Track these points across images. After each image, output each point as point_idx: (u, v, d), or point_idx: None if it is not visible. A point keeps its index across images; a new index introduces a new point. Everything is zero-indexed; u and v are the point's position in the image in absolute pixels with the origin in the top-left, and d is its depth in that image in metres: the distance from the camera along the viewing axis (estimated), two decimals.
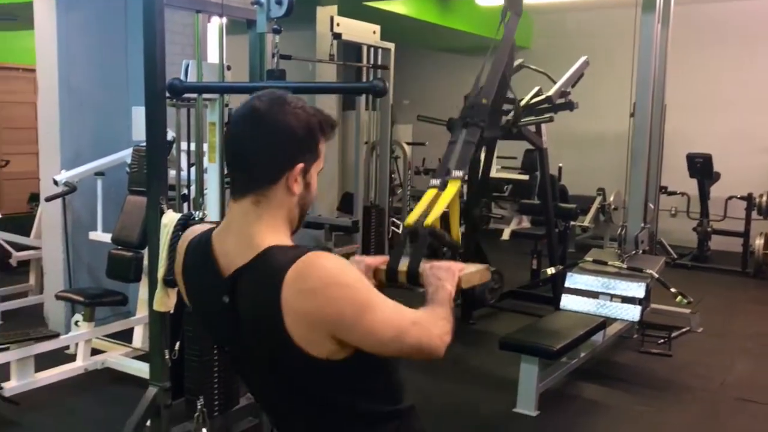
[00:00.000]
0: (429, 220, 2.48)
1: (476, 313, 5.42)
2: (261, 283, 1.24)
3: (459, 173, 3.41)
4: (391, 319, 1.25)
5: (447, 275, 1.51)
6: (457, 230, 2.61)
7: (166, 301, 2.89)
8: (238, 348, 1.37)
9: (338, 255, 1.27)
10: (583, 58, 5.47)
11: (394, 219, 7.10)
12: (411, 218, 2.50)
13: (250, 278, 1.26)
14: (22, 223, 6.05)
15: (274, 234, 1.28)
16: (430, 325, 1.32)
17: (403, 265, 1.77)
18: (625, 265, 4.60)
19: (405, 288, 1.69)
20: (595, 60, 5.56)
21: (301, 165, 1.29)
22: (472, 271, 1.67)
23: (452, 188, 3.25)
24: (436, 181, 3.37)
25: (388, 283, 1.73)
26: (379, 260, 1.68)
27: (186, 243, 1.42)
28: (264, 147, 1.28)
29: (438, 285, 1.48)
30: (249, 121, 1.30)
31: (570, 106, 5.25)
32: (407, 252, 1.90)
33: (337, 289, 1.19)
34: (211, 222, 1.47)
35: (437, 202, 2.93)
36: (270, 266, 1.23)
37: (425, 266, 1.56)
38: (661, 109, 5.50)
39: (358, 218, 6.40)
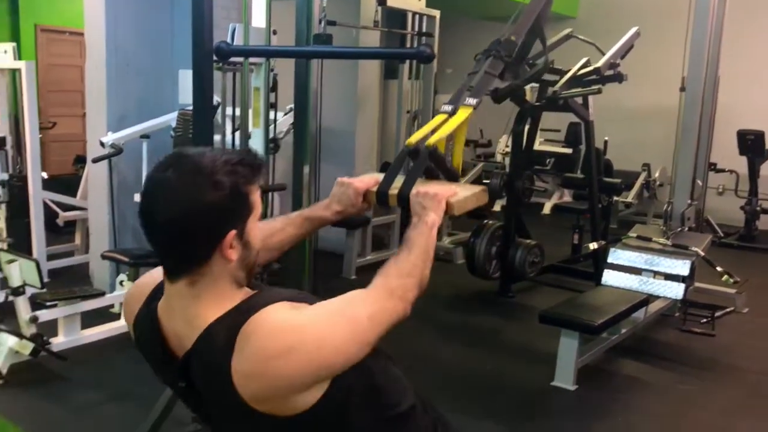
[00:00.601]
0: (432, 140, 2.37)
1: (515, 286, 5.39)
2: (210, 370, 1.14)
3: (472, 101, 3.27)
4: (347, 335, 1.15)
5: (432, 203, 1.41)
6: (460, 159, 2.51)
7: None
8: (213, 422, 1.28)
9: (284, 299, 1.16)
10: (634, 29, 5.32)
11: None
12: (413, 138, 2.39)
13: (198, 364, 1.16)
14: (68, 184, 6.16)
15: (216, 306, 1.15)
16: (384, 298, 1.23)
17: (394, 188, 1.66)
18: (669, 242, 4.51)
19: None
20: (644, 31, 5.40)
21: (233, 232, 1.14)
22: (466, 196, 1.51)
23: (462, 114, 3.12)
24: (447, 107, 3.25)
25: (379, 205, 1.66)
26: (370, 182, 1.61)
27: (134, 314, 1.29)
28: (185, 232, 1.11)
29: (421, 215, 1.39)
30: (162, 203, 1.12)
31: (619, 78, 5.11)
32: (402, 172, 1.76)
33: (281, 362, 1.08)
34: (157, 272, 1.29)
35: (444, 126, 2.84)
36: (214, 350, 1.12)
37: (413, 192, 1.46)
38: (714, 83, 5.33)
39: None
